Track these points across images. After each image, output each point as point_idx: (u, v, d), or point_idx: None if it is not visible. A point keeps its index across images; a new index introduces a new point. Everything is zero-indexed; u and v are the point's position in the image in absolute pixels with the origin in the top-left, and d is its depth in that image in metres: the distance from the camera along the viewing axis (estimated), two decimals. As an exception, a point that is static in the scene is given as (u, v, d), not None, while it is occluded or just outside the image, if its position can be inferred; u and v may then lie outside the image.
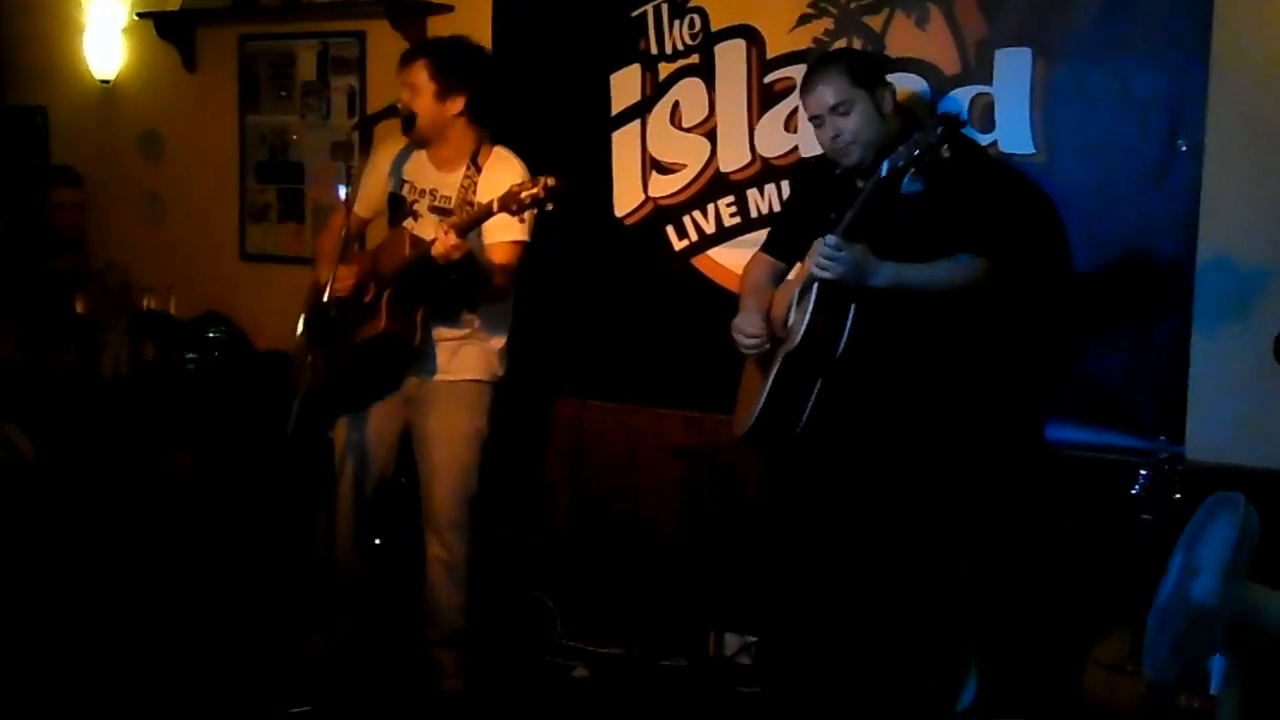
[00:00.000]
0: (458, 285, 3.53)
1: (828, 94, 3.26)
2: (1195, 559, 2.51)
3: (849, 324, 3.13)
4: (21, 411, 4.42)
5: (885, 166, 2.98)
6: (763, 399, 3.31)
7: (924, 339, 3.23)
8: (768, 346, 3.37)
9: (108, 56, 5.45)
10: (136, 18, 5.34)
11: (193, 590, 4.32)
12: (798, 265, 3.46)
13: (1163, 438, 3.46)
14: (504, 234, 3.57)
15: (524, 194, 3.25)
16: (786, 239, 3.55)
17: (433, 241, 3.37)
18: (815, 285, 3.14)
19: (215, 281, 5.25)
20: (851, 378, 3.19)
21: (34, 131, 5.69)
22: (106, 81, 5.46)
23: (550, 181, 3.25)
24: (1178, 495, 3.14)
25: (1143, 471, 3.22)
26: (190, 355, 4.92)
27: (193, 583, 4.36)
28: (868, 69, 3.32)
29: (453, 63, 3.64)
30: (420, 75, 3.61)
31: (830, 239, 3.06)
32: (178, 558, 4.45)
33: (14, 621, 3.99)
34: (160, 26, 5.26)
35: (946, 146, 2.93)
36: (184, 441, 4.77)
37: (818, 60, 3.45)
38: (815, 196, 3.41)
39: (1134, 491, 3.21)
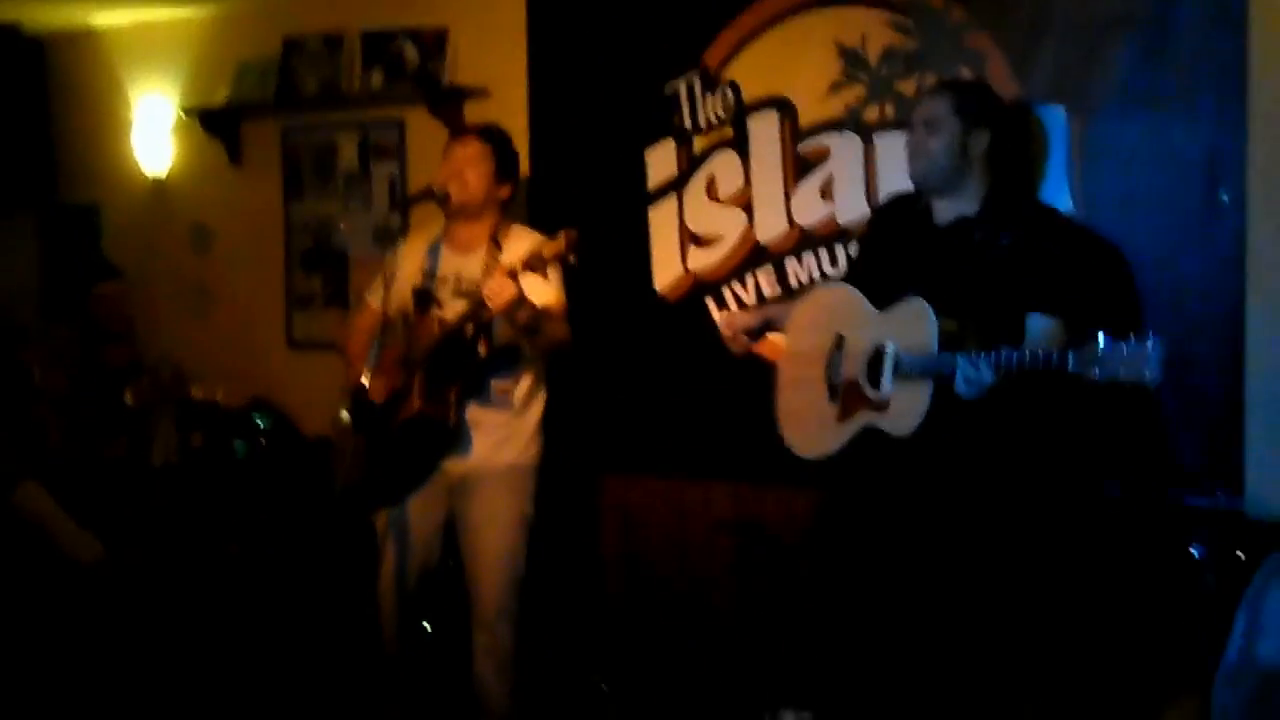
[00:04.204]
0: (487, 359, 3.60)
1: (928, 109, 3.29)
2: (1260, 619, 2.45)
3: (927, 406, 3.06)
4: (80, 507, 4.46)
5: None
6: (836, 448, 3.25)
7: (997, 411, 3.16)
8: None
9: (157, 153, 5.57)
10: (183, 114, 5.45)
11: (241, 676, 4.31)
12: None
13: (1221, 493, 3.37)
14: (539, 298, 3.59)
15: (546, 251, 3.35)
16: (867, 289, 3.37)
17: (476, 303, 3.46)
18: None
19: (262, 369, 5.31)
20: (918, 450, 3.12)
21: (89, 228, 5.81)
22: (157, 178, 5.58)
23: (571, 234, 3.34)
24: (1238, 552, 3.07)
25: (1201, 528, 3.15)
26: (238, 443, 4.95)
27: (241, 669, 4.35)
28: (977, 110, 3.25)
29: (510, 153, 3.81)
30: (484, 149, 3.74)
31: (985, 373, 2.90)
32: (227, 645, 4.45)
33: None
34: (206, 122, 5.37)
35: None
36: (232, 528, 4.79)
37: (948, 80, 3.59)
38: (895, 240, 3.38)
39: (1193, 549, 3.14)
